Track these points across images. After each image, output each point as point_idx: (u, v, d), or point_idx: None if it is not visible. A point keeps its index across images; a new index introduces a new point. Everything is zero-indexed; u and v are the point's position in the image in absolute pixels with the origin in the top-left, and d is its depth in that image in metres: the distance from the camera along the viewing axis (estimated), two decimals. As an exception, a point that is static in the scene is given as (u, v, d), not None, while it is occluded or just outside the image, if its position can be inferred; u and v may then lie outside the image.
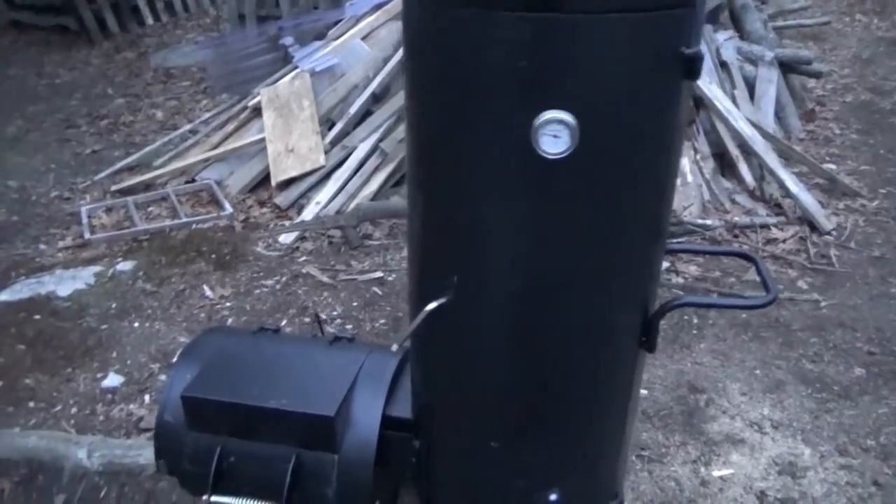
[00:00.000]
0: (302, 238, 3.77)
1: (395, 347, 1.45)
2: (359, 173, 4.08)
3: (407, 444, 1.65)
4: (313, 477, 1.64)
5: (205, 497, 1.65)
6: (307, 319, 3.12)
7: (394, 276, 3.45)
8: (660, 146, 1.20)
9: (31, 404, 2.59)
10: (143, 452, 1.94)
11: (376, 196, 3.99)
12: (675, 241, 3.79)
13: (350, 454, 1.62)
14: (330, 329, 3.06)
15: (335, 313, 3.16)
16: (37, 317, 3.02)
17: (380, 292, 3.32)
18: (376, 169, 4.11)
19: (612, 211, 1.21)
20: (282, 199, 4.12)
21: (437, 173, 1.33)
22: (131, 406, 2.62)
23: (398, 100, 4.37)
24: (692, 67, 1.13)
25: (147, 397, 2.66)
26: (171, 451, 1.73)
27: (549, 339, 1.32)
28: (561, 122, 1.10)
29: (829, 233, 3.65)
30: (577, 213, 1.20)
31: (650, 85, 1.12)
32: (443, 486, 1.63)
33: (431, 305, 1.35)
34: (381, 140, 4.21)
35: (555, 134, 1.11)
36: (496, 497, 1.48)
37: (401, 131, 4.20)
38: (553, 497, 1.41)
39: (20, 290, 3.21)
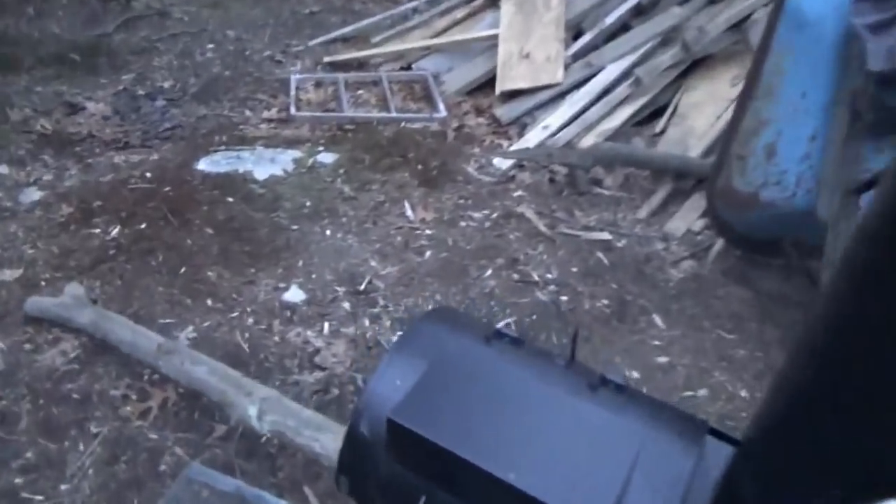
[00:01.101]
0: (520, 166, 3.21)
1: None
2: (602, 101, 3.37)
3: None
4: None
5: (394, 555, 1.22)
6: (516, 276, 2.60)
7: (624, 241, 2.82)
8: None
9: (210, 302, 2.34)
10: (320, 438, 1.57)
11: (616, 134, 3.30)
12: None
13: None
14: (541, 295, 2.54)
15: (549, 276, 2.62)
16: (230, 199, 2.75)
17: (605, 261, 2.72)
18: (625, 100, 3.37)
19: None
20: (503, 111, 3.53)
21: None
22: (309, 333, 2.29)
23: (668, 17, 3.53)
24: None
25: (326, 326, 2.32)
26: (357, 472, 1.31)
27: None
28: None
29: None
30: None
31: None
32: None
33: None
34: (636, 65, 3.44)
35: None
36: None
37: (666, 58, 3.39)
38: None
39: (219, 163, 2.96)
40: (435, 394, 1.27)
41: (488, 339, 1.39)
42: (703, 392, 2.28)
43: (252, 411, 1.65)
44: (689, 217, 2.97)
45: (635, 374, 2.30)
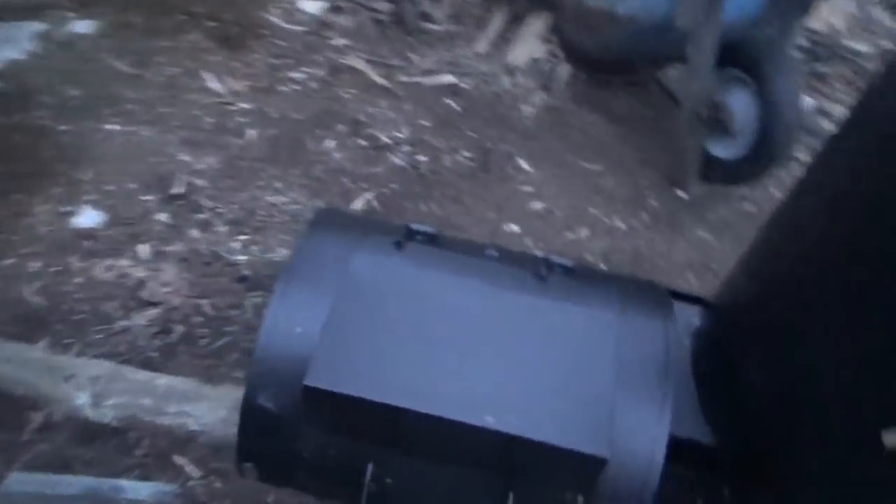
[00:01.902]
0: (334, 8, 2.68)
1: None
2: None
3: (701, 489, 0.97)
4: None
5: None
6: (363, 142, 2.21)
7: (469, 82, 2.51)
8: None
9: (-32, 251, 1.71)
10: (191, 412, 1.18)
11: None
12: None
13: (611, 494, 0.94)
14: (396, 159, 2.19)
15: (399, 135, 2.26)
16: (-45, 102, 1.99)
17: (456, 107, 2.40)
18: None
19: None
20: (297, -59, 2.90)
21: None
22: (122, 262, 1.79)
23: None
24: None
25: (145, 249, 1.82)
26: (268, 454, 0.98)
27: None
28: None
29: None
30: None
31: None
32: None
33: None
34: None
35: None
36: None
37: None
38: None
39: (-79, 53, 2.11)
40: (354, 336, 0.94)
41: (399, 244, 1.06)
42: (584, 232, 2.16)
43: (82, 399, 1.21)
44: (529, 44, 2.71)
45: (515, 228, 2.11)
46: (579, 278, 1.07)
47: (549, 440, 0.86)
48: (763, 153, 2.12)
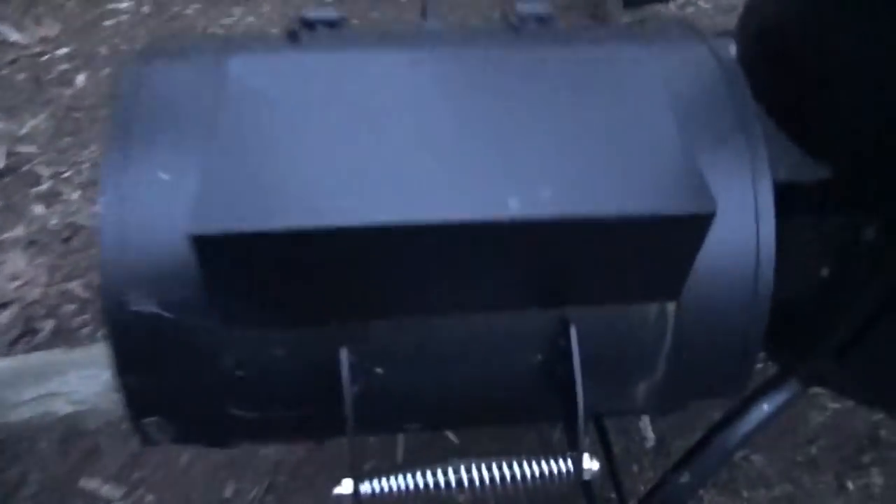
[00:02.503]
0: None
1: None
2: None
3: (832, 240, 0.69)
4: (603, 360, 0.66)
5: (340, 489, 0.60)
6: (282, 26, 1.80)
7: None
8: None
9: None
10: (59, 389, 0.76)
11: None
12: None
13: (713, 294, 0.64)
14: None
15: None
16: None
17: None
18: None
19: None
20: None
21: None
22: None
23: None
24: None
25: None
26: (173, 386, 0.60)
27: None
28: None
29: None
30: None
31: None
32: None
33: None
34: None
35: None
36: None
37: None
38: None
39: None
40: (260, 158, 0.56)
41: (295, 35, 0.70)
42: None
43: None
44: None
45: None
46: (564, 30, 0.74)
47: (617, 212, 0.53)
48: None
